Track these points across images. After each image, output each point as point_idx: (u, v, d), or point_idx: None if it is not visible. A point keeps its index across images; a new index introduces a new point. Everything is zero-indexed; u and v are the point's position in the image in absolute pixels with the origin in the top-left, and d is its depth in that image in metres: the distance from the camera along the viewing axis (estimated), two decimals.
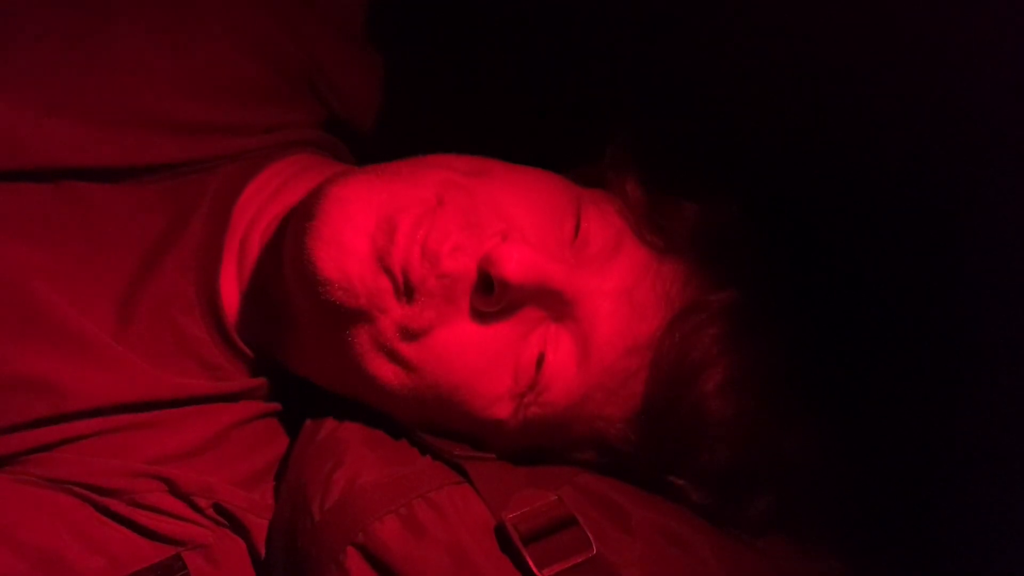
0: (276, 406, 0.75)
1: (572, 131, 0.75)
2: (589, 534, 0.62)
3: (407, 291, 0.64)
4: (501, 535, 0.63)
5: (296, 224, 0.66)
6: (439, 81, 0.80)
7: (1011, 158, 0.60)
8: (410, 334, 0.65)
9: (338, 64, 0.79)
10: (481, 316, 0.65)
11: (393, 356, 0.66)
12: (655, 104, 0.75)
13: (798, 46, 0.67)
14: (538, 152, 0.72)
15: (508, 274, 0.63)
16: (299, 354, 0.72)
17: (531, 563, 0.61)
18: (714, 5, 0.71)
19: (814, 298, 0.68)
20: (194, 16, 0.74)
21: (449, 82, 0.80)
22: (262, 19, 0.75)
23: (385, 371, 0.66)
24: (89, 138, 0.69)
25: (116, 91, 0.71)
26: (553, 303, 0.66)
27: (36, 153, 0.68)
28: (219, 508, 0.69)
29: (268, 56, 0.76)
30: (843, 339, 0.68)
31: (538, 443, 0.70)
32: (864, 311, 0.69)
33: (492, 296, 0.64)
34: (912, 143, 0.65)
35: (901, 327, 0.69)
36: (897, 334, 0.69)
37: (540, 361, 0.66)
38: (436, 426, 0.69)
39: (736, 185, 0.70)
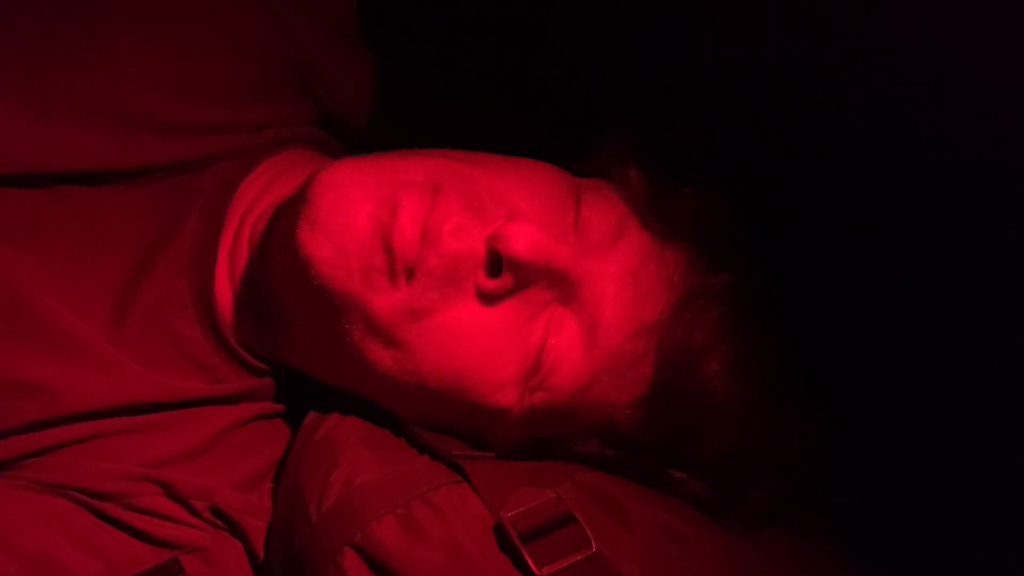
0: (274, 408, 0.74)
1: (567, 128, 0.75)
2: (588, 531, 0.62)
3: (404, 270, 0.63)
4: (500, 534, 0.62)
5: (287, 212, 0.66)
6: (432, 78, 0.80)
7: (1010, 142, 0.60)
8: (411, 315, 0.65)
9: (330, 61, 0.79)
10: (487, 298, 0.65)
11: (391, 340, 0.65)
12: (654, 95, 0.75)
13: (793, 34, 0.68)
14: (534, 147, 0.72)
15: (518, 250, 0.63)
16: (295, 348, 0.71)
17: (530, 562, 0.61)
18: None
19: (816, 284, 0.68)
20: (185, 15, 0.73)
21: (442, 79, 0.80)
22: (253, 17, 0.75)
23: (383, 357, 0.66)
24: (81, 141, 0.69)
25: (108, 93, 0.70)
26: (559, 285, 0.66)
27: (28, 157, 0.68)
28: (216, 511, 0.68)
29: (259, 54, 0.76)
30: (845, 324, 0.68)
31: (541, 434, 0.69)
32: (866, 297, 0.69)
33: (500, 276, 0.64)
34: (910, 126, 0.66)
35: (903, 317, 0.69)
36: (899, 324, 0.69)
37: (546, 344, 0.66)
38: (435, 419, 0.69)
39: (737, 172, 0.70)
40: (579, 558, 0.61)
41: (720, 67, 0.73)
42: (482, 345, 0.66)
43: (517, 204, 0.66)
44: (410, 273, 0.64)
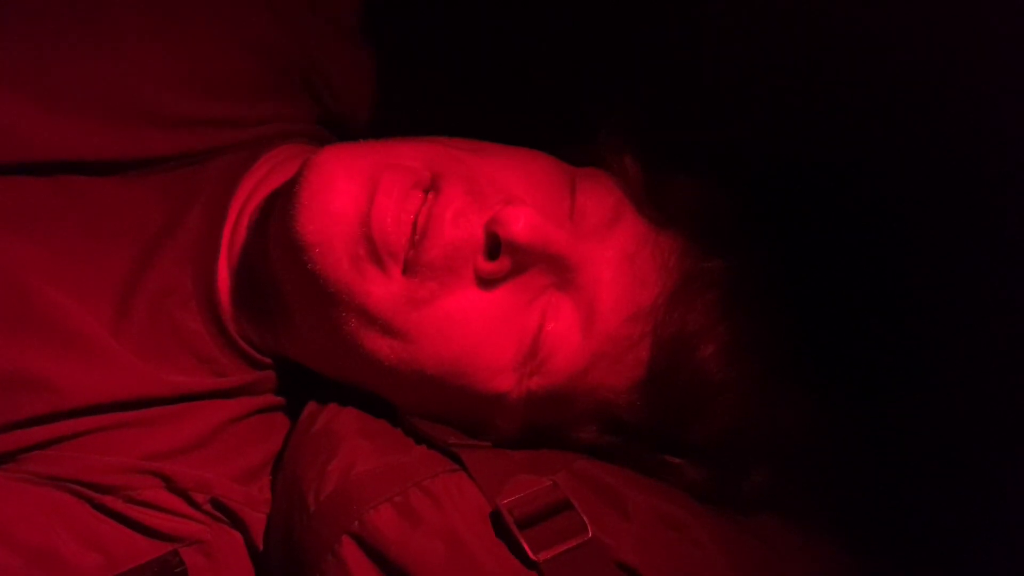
0: (273, 401, 0.75)
1: (563, 117, 0.76)
2: (585, 518, 0.62)
3: (389, 255, 0.64)
4: (497, 521, 0.63)
5: (282, 198, 0.67)
6: (432, 77, 0.80)
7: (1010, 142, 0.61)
8: (411, 305, 0.65)
9: (332, 59, 0.79)
10: (485, 283, 0.66)
11: (389, 330, 0.66)
12: (649, 84, 0.76)
13: (792, 28, 0.68)
14: (530, 137, 0.72)
15: (516, 233, 0.64)
16: (293, 338, 0.71)
17: (527, 548, 0.61)
18: None
19: (810, 268, 0.68)
20: (191, 10, 0.74)
21: (443, 78, 0.80)
22: (258, 13, 0.76)
23: (380, 346, 0.66)
24: (86, 132, 0.70)
25: (112, 84, 0.71)
26: (556, 269, 0.66)
27: (33, 147, 0.69)
28: (216, 503, 0.69)
29: (263, 50, 0.76)
30: (840, 308, 0.68)
31: (539, 420, 0.70)
32: (860, 281, 0.69)
33: (498, 259, 0.65)
34: (907, 112, 0.66)
35: (897, 300, 0.69)
36: (893, 307, 0.69)
37: (543, 328, 0.66)
38: (432, 407, 0.69)
39: (731, 159, 0.71)
40: (575, 544, 0.61)
41: (716, 57, 0.73)
42: (480, 330, 0.66)
43: (515, 190, 0.67)
44: (406, 265, 0.64)
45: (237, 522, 0.69)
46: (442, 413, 0.70)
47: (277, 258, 0.67)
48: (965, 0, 0.59)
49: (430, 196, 0.65)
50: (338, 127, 0.82)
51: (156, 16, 0.73)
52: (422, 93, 0.81)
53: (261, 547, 0.69)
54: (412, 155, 0.67)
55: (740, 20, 0.72)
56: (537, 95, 0.79)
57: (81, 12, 0.71)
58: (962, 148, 0.65)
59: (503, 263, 0.65)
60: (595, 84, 0.77)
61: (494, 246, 0.65)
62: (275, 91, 0.78)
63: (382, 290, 0.65)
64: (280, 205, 0.66)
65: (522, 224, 0.64)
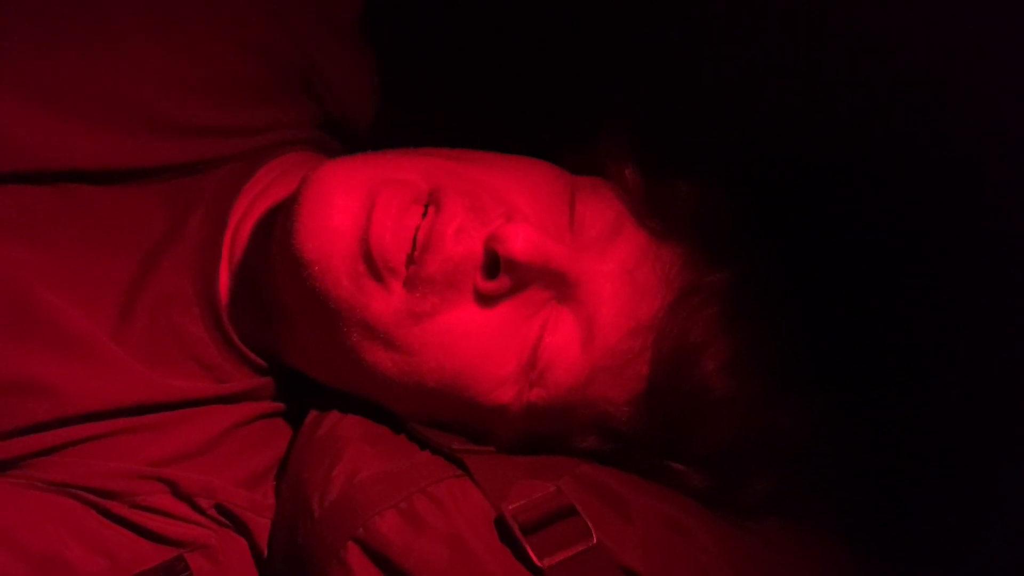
0: (277, 406, 0.75)
1: (564, 125, 0.76)
2: (589, 523, 0.62)
3: (388, 270, 0.64)
4: (501, 527, 0.63)
5: (283, 214, 0.67)
6: (433, 80, 0.80)
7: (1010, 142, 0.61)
8: (412, 319, 0.65)
9: (333, 63, 0.79)
10: (485, 299, 0.66)
11: (390, 344, 0.66)
12: (649, 91, 0.76)
13: (793, 31, 0.68)
14: (533, 146, 0.72)
15: (515, 251, 0.63)
16: (296, 349, 0.72)
17: (532, 554, 0.61)
18: None
19: (813, 278, 0.68)
20: (190, 16, 0.74)
21: (443, 80, 0.80)
22: (257, 18, 0.75)
23: (382, 359, 0.66)
24: (88, 140, 0.70)
25: (114, 93, 0.71)
26: (556, 284, 0.66)
27: (35, 155, 0.69)
28: (221, 508, 0.69)
29: (263, 55, 0.76)
30: (842, 317, 0.68)
31: (540, 430, 0.70)
32: (862, 291, 0.69)
33: (498, 277, 0.65)
34: (909, 115, 0.66)
35: (900, 309, 0.69)
36: (896, 317, 0.69)
37: (542, 341, 0.67)
38: (435, 417, 0.70)
39: (733, 167, 0.70)
40: (580, 549, 0.61)
41: (717, 63, 0.73)
42: (481, 345, 0.66)
43: (515, 202, 0.67)
44: (407, 279, 0.64)
45: (242, 527, 0.69)
46: (444, 421, 0.70)
47: (279, 273, 0.67)
48: (965, 0, 0.59)
49: (431, 211, 0.65)
50: (338, 130, 0.82)
51: (156, 17, 0.73)
52: (422, 94, 0.80)
53: (266, 552, 0.69)
54: (411, 168, 0.67)
55: (740, 20, 0.72)
56: (537, 95, 0.78)
57: (81, 13, 0.70)
58: (962, 148, 0.65)
59: (503, 282, 0.65)
60: (595, 85, 0.77)
61: (493, 262, 0.65)
62: (275, 94, 0.77)
63: (383, 304, 0.65)
64: (280, 221, 0.66)
65: (521, 241, 0.64)
